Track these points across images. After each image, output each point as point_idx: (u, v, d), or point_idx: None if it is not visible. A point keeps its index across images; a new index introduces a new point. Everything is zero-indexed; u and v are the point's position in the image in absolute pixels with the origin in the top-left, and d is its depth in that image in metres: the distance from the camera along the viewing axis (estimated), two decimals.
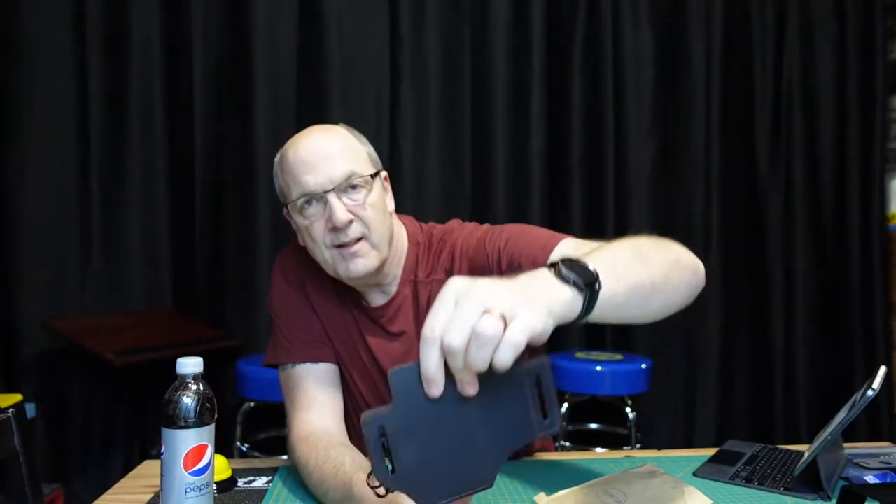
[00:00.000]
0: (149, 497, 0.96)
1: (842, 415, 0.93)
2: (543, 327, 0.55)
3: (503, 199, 2.60)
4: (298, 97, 2.52)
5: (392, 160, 2.53)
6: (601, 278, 0.64)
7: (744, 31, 2.76)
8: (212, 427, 0.77)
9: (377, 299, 1.07)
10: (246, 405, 2.24)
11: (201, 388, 0.77)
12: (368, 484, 0.56)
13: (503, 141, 2.61)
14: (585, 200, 2.67)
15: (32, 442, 2.00)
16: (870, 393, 0.88)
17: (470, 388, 0.53)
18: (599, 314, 0.65)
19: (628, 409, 2.32)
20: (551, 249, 0.93)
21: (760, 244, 2.77)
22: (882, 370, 0.94)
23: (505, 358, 0.52)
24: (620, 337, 2.68)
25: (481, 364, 0.52)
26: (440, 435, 0.55)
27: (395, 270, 1.06)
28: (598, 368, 2.25)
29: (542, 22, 2.62)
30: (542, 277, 0.62)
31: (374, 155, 1.04)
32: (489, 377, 0.54)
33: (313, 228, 0.97)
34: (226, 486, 0.97)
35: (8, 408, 0.77)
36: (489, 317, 0.52)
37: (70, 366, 2.35)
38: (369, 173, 0.99)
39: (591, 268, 0.64)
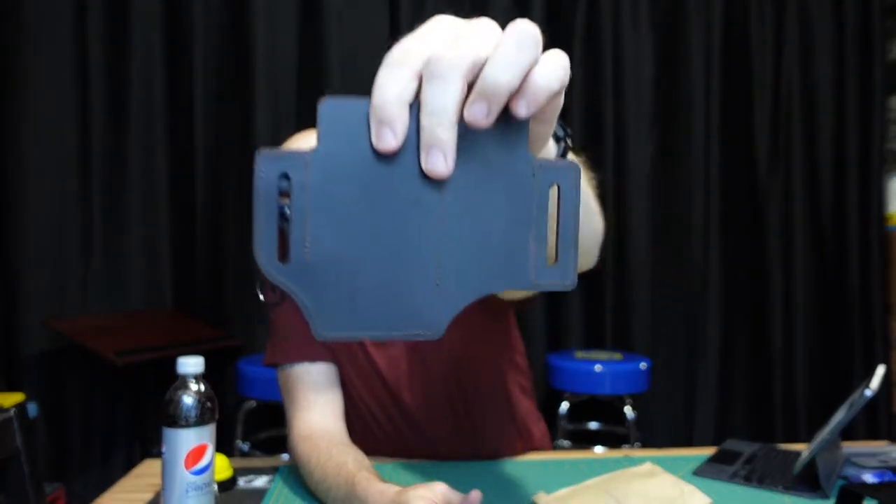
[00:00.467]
0: (150, 496, 0.96)
1: (840, 414, 0.94)
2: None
3: None
4: (298, 97, 2.52)
5: None
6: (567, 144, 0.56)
7: (743, 31, 2.76)
8: (213, 426, 0.78)
9: None
10: (247, 404, 2.25)
11: (202, 387, 0.77)
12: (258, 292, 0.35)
13: None
14: None
15: (34, 441, 2.00)
16: (868, 393, 0.89)
17: (440, 159, 0.31)
18: None
19: (628, 409, 2.33)
20: None
21: (760, 244, 2.77)
22: (880, 370, 0.95)
23: (551, 76, 0.32)
24: (620, 336, 2.69)
25: (507, 80, 0.30)
26: (377, 229, 0.32)
27: None
28: (598, 368, 2.25)
29: (542, 22, 2.62)
30: None
31: None
32: (475, 164, 0.32)
33: None
34: (227, 486, 0.98)
35: (10, 407, 0.77)
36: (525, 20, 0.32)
37: (71, 366, 2.35)
38: None
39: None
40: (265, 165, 0.31)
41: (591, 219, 0.67)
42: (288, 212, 0.31)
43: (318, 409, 1.03)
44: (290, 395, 1.06)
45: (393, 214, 0.32)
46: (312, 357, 1.06)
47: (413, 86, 0.31)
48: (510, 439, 1.14)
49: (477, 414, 1.10)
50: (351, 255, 0.32)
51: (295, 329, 1.07)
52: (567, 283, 0.34)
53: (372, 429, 1.10)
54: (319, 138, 0.31)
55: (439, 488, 0.74)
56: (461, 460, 1.09)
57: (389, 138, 0.30)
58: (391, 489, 0.77)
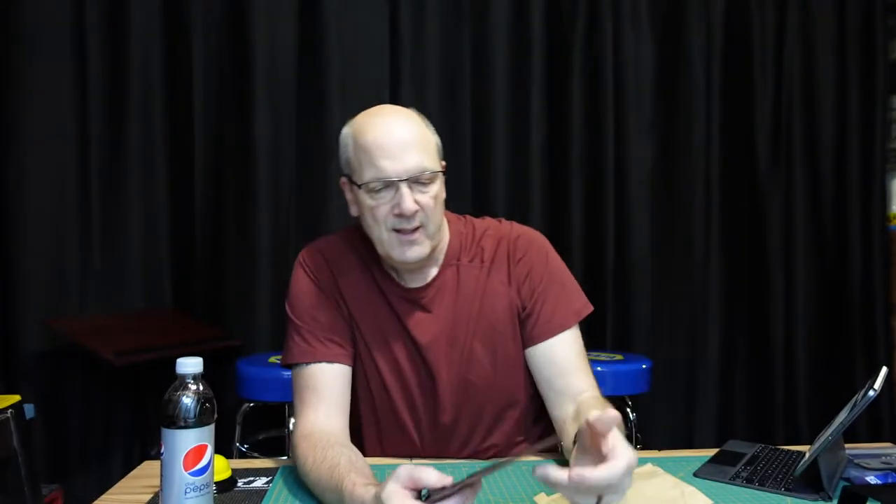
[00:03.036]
0: (148, 497, 0.96)
1: (843, 415, 0.93)
2: None
3: (503, 199, 2.59)
4: (298, 97, 2.51)
5: None
6: None
7: (744, 30, 2.76)
8: (211, 427, 0.77)
9: (415, 281, 1.10)
10: (245, 405, 2.24)
11: (201, 388, 0.77)
12: None
13: (503, 141, 2.60)
14: (585, 200, 2.66)
15: (31, 442, 1.99)
16: (871, 394, 0.88)
17: None
18: None
19: (628, 410, 2.32)
20: (564, 325, 1.10)
21: (761, 244, 2.77)
22: (883, 371, 0.94)
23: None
24: (621, 337, 2.68)
25: None
26: None
27: (438, 255, 1.11)
28: (599, 369, 2.25)
29: (542, 22, 2.61)
30: None
31: (440, 145, 1.10)
32: None
33: (379, 210, 1.01)
34: (226, 487, 0.97)
35: (6, 408, 0.77)
36: None
37: (70, 366, 2.34)
38: (438, 169, 1.04)
39: None
40: None
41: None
42: None
43: (322, 408, 1.04)
44: (299, 394, 1.07)
45: None
46: (330, 358, 1.08)
47: None
48: (510, 439, 1.15)
49: (479, 414, 1.11)
50: None
51: (312, 331, 1.08)
52: None
53: (381, 429, 1.12)
54: None
55: (403, 472, 0.70)
56: (462, 459, 1.10)
57: None
58: (368, 493, 0.76)
